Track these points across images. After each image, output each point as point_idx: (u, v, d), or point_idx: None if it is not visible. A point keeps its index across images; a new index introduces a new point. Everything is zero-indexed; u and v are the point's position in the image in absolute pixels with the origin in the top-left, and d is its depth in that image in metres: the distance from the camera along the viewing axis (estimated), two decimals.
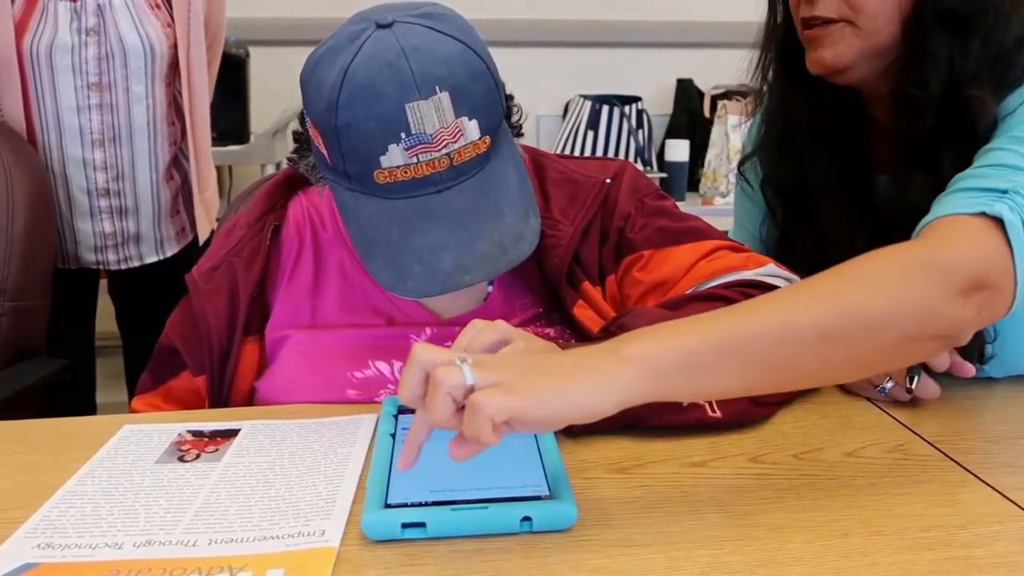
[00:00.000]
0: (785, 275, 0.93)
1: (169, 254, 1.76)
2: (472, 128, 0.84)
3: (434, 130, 0.82)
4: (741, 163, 1.19)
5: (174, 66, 1.67)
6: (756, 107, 1.14)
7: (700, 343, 0.66)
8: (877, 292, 0.71)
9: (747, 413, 0.83)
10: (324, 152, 0.87)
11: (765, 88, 1.10)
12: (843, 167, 1.03)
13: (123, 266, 1.72)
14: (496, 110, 0.87)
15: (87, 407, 1.80)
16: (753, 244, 1.17)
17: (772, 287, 0.89)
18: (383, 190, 0.84)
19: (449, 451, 0.63)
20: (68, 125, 1.59)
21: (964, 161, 0.88)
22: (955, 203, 0.81)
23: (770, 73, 1.09)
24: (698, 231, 0.99)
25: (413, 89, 0.81)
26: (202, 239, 1.77)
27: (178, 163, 1.76)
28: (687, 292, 0.92)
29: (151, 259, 1.74)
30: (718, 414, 0.80)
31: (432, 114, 0.82)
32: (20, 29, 1.53)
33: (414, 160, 0.82)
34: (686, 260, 0.95)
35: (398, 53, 0.82)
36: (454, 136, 0.83)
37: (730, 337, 0.67)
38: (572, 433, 0.80)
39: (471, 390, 0.61)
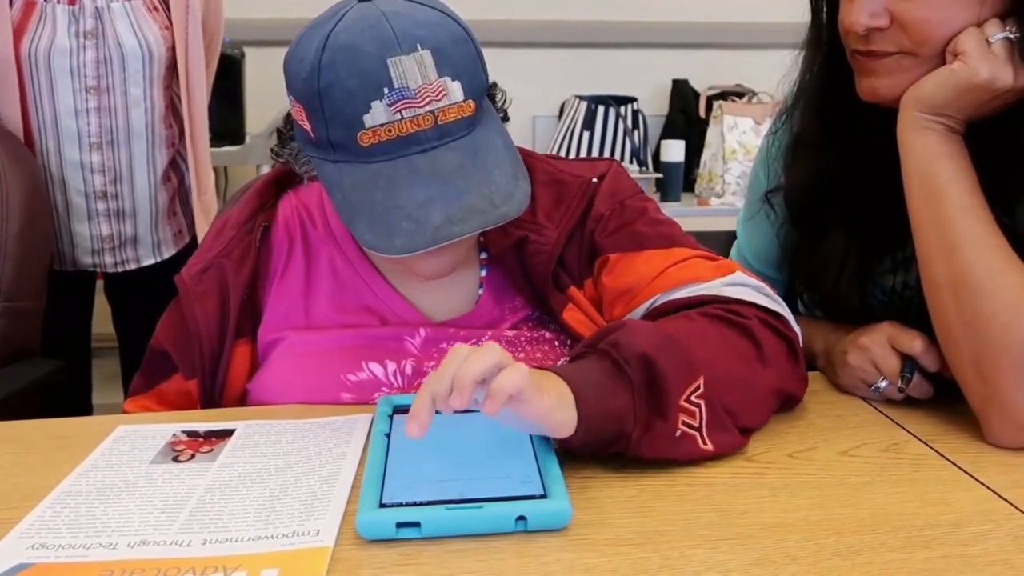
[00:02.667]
0: (753, 283, 0.90)
1: (166, 256, 1.76)
2: (456, 89, 0.83)
3: (417, 86, 0.81)
4: (770, 192, 1.10)
5: (172, 68, 1.67)
6: (784, 121, 1.06)
7: None
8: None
9: (735, 443, 0.80)
10: (307, 126, 0.86)
11: (797, 110, 1.02)
12: (887, 190, 0.94)
13: (120, 269, 1.72)
14: (479, 78, 0.86)
15: (83, 408, 1.79)
16: (770, 251, 1.12)
17: (749, 303, 0.87)
18: (367, 153, 0.83)
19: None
20: (66, 128, 1.59)
21: None
22: None
23: (806, 94, 1.01)
24: (670, 237, 0.96)
25: (395, 45, 0.81)
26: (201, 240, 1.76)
27: (176, 165, 1.76)
28: (661, 302, 0.90)
29: (148, 262, 1.74)
30: (709, 447, 0.77)
31: (415, 69, 0.81)
32: (18, 32, 1.53)
33: (398, 116, 0.81)
34: (652, 268, 0.92)
35: (379, 17, 0.82)
36: (438, 94, 0.82)
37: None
38: (569, 452, 0.77)
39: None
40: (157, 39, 1.62)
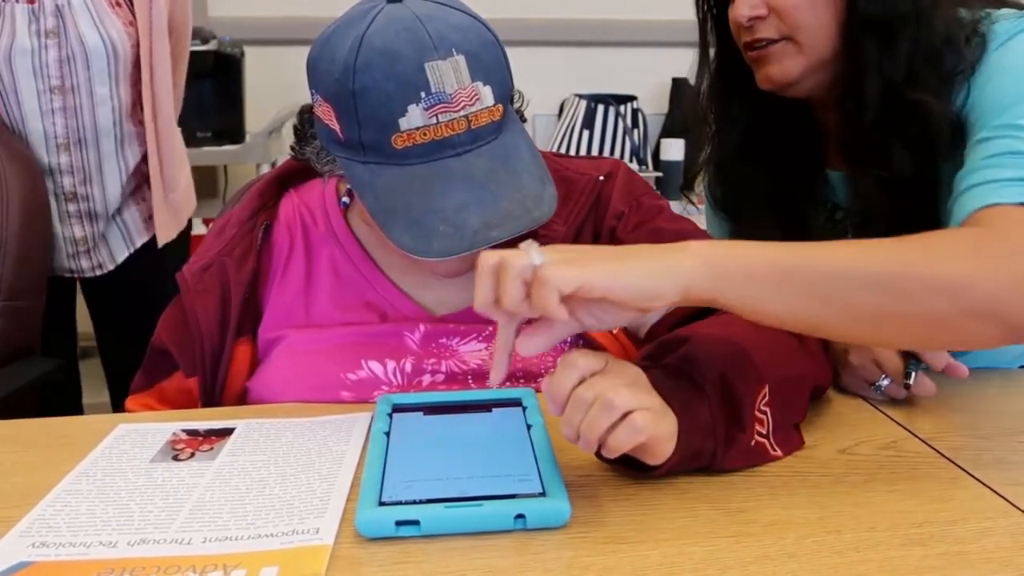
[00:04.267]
0: None
1: (139, 244, 1.71)
2: (487, 94, 0.84)
3: (453, 90, 0.82)
4: (690, 182, 1.24)
5: (139, 65, 1.62)
6: (704, 127, 1.16)
7: (763, 260, 0.71)
8: (947, 261, 0.72)
9: (797, 444, 0.82)
10: (336, 127, 0.86)
11: (710, 107, 1.13)
12: (796, 169, 1.07)
13: (97, 272, 1.68)
14: (507, 82, 0.88)
15: (74, 410, 1.78)
16: None
17: None
18: (400, 156, 0.83)
19: (519, 345, 0.68)
20: (32, 130, 1.54)
21: (919, 157, 0.93)
22: (991, 193, 0.82)
23: (712, 93, 1.13)
24: (689, 233, 0.99)
25: (432, 50, 0.82)
26: (161, 242, 1.71)
27: (148, 161, 1.69)
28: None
29: (122, 256, 1.70)
30: (778, 452, 0.79)
31: (450, 74, 0.82)
32: None
33: (433, 121, 0.82)
34: None
35: (413, 19, 0.83)
36: (471, 99, 0.83)
37: (793, 263, 0.71)
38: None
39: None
40: (121, 36, 1.56)
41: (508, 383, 0.95)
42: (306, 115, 0.95)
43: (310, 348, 0.96)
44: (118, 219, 1.68)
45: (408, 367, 0.95)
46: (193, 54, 1.85)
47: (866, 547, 0.66)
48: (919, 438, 0.85)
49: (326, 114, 0.87)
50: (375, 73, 0.81)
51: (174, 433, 0.86)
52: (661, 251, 0.70)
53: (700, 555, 0.65)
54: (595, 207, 1.00)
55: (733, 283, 0.70)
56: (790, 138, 1.08)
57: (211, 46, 2.25)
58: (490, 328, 0.97)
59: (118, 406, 1.71)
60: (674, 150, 2.63)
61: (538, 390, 0.90)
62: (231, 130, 2.36)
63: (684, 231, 0.99)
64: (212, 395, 0.95)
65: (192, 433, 0.86)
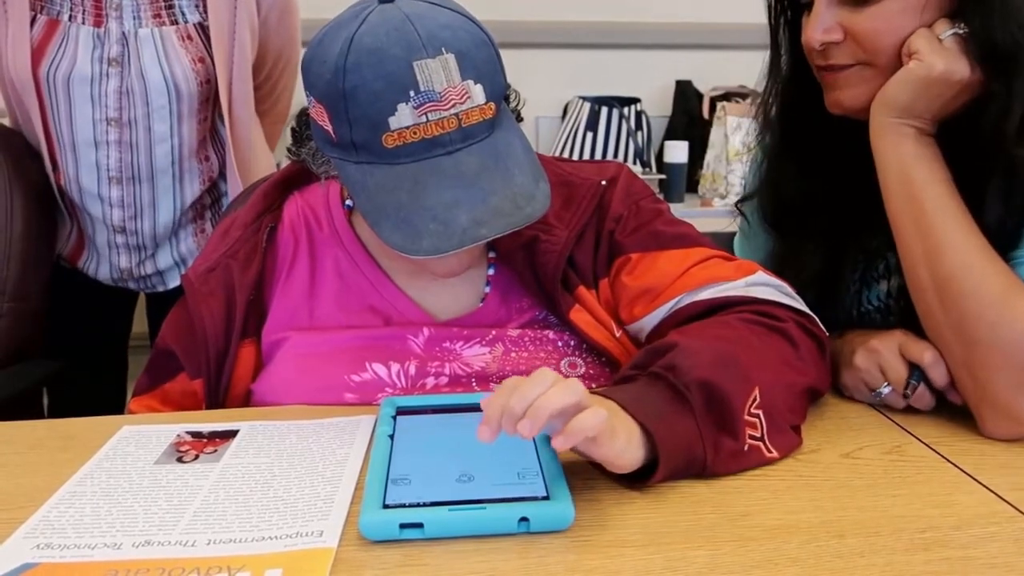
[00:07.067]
0: (774, 282, 0.92)
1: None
2: (478, 92, 0.84)
3: (442, 88, 0.82)
4: (741, 200, 1.16)
5: (207, 100, 1.52)
6: (759, 139, 1.10)
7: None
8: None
9: (794, 444, 0.82)
10: (329, 127, 0.86)
11: (768, 123, 1.07)
12: (857, 193, 0.99)
13: (147, 290, 1.66)
14: (499, 81, 0.87)
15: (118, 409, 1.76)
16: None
17: (778, 303, 0.89)
18: (392, 155, 0.83)
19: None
20: (85, 159, 1.48)
21: (1012, 209, 0.88)
22: None
23: (773, 109, 1.06)
24: (688, 238, 0.98)
25: (420, 49, 0.82)
26: None
27: (213, 193, 1.63)
28: (687, 302, 0.92)
29: (174, 284, 1.63)
30: (774, 454, 0.80)
31: (440, 72, 0.82)
32: (37, 55, 1.41)
33: (423, 119, 0.82)
34: (674, 267, 0.94)
35: (403, 19, 0.83)
36: (461, 97, 0.83)
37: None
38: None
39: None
40: (187, 74, 1.45)
41: None
42: (303, 117, 0.95)
43: (314, 350, 0.96)
44: (174, 252, 1.61)
45: (412, 370, 0.95)
46: None
47: (870, 552, 0.66)
48: (923, 442, 0.85)
49: (319, 115, 0.87)
50: (364, 72, 0.81)
51: (178, 435, 0.86)
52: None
53: (703, 559, 0.65)
54: (597, 212, 1.00)
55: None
56: (856, 161, 0.98)
57: None
58: (493, 332, 0.97)
59: None
60: (678, 152, 2.64)
61: None
62: None
63: (682, 234, 0.99)
64: (217, 397, 0.95)
65: (196, 435, 0.86)
